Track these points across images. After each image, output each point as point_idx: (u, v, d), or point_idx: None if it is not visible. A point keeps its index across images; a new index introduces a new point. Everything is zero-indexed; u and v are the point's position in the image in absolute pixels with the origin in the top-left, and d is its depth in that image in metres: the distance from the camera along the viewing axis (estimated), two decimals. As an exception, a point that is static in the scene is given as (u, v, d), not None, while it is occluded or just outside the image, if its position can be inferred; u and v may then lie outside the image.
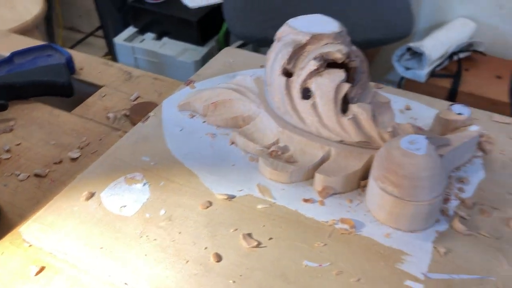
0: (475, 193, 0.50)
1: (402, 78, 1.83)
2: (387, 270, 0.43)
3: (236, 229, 0.46)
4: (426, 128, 0.57)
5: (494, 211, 0.48)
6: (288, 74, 0.53)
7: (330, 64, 0.51)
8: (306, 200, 0.49)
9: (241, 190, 0.50)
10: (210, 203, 0.49)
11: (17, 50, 0.77)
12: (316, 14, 0.54)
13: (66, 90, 0.68)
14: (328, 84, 0.50)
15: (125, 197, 0.50)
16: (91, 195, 0.50)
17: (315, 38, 0.51)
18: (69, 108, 0.68)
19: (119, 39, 1.84)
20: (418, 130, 0.49)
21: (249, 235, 0.46)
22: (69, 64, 0.73)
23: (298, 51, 0.52)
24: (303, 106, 0.52)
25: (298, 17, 0.54)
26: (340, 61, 0.51)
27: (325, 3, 1.37)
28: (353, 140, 0.51)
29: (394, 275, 0.42)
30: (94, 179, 0.52)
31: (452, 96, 1.78)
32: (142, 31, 1.91)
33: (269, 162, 0.52)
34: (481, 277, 0.42)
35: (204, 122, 0.59)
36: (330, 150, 0.52)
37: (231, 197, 0.49)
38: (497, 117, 0.60)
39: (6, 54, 0.77)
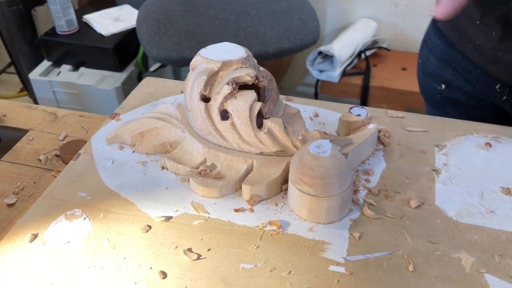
0: (379, 181, 0.58)
1: (318, 80, 1.94)
2: (312, 259, 0.49)
3: (177, 246, 0.51)
4: (333, 130, 0.64)
5: (396, 194, 0.56)
6: (206, 99, 0.58)
7: (242, 86, 0.57)
8: (237, 210, 0.55)
9: (176, 210, 0.55)
10: (150, 227, 0.53)
11: None
12: (223, 43, 0.60)
13: (-8, 139, 0.69)
14: (243, 105, 0.56)
15: (68, 233, 0.52)
16: (35, 236, 0.52)
17: (225, 65, 0.57)
18: (-2, 155, 0.69)
19: (34, 75, 1.80)
20: (324, 135, 0.56)
21: (189, 249, 0.50)
22: (-9, 112, 0.74)
23: (212, 78, 0.57)
24: (223, 126, 0.58)
25: (208, 46, 0.60)
26: (250, 83, 0.57)
27: (236, 21, 1.44)
28: (270, 151, 0.57)
29: (319, 263, 0.49)
30: (35, 221, 0.54)
31: (365, 91, 1.91)
32: (57, 63, 1.87)
33: (199, 180, 0.56)
34: (390, 252, 0.50)
35: (133, 152, 0.63)
36: (253, 162, 0.58)
37: (168, 218, 0.54)
38: (391, 112, 0.68)
39: None
